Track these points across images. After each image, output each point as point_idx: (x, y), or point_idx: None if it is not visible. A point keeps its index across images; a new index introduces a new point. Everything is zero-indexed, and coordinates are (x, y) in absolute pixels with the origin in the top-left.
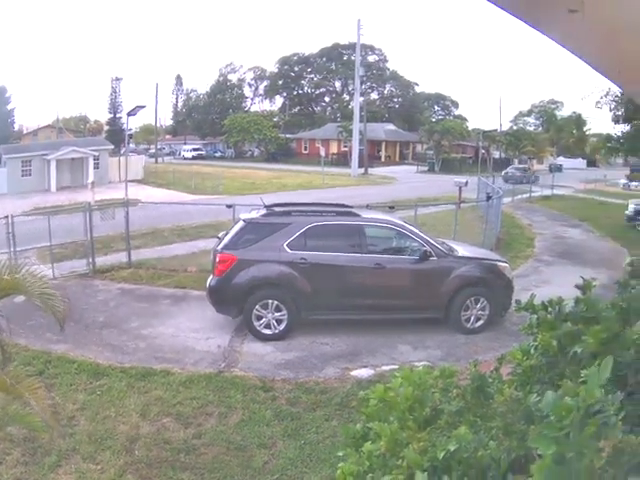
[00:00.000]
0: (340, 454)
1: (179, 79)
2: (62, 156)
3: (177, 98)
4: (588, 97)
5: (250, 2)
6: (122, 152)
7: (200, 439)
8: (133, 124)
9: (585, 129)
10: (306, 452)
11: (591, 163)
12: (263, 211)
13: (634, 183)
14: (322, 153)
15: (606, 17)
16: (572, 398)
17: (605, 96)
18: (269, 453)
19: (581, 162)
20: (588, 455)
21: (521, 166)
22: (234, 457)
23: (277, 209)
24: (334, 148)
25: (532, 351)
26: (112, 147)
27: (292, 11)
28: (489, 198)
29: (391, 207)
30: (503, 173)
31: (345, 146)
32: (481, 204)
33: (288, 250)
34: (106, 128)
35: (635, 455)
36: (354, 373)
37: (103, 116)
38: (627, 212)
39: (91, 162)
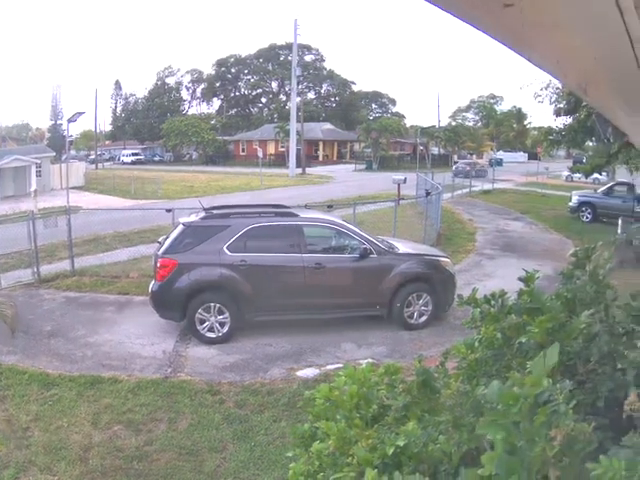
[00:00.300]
0: (290, 454)
1: (118, 84)
2: (5, 165)
3: (116, 103)
4: (528, 87)
5: (189, 4)
6: (63, 159)
7: (152, 445)
8: (74, 130)
9: (526, 122)
10: (257, 454)
11: (532, 156)
12: (202, 214)
13: (577, 175)
14: (260, 154)
15: (543, 10)
16: (519, 387)
17: (545, 88)
18: (220, 457)
19: (522, 155)
20: (539, 444)
21: (470, 161)
22: (186, 462)
23: (216, 212)
24: (272, 149)
25: (476, 344)
26: (54, 154)
27: (230, 12)
28: (428, 194)
29: (329, 206)
30: (454, 168)
31: (283, 146)
32: (420, 200)
33: (228, 252)
34: (47, 135)
35: (589, 443)
36: (299, 373)
37: (44, 123)
38: (571, 204)
39: (33, 170)
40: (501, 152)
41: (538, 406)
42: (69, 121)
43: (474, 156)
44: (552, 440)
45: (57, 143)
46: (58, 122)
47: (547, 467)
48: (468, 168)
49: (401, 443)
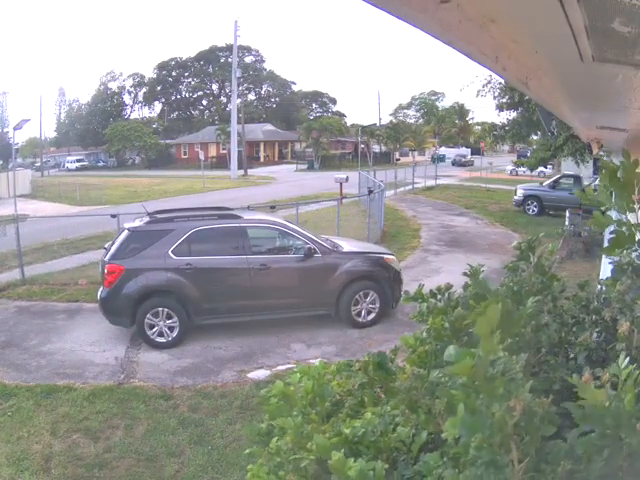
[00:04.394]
0: (247, 452)
1: (61, 90)
2: None
3: (60, 109)
4: (468, 87)
5: (131, 8)
6: (10, 167)
7: (110, 452)
8: (19, 138)
9: (468, 118)
10: (214, 457)
11: (476, 151)
12: (146, 219)
13: (521, 169)
14: (201, 157)
15: (480, 4)
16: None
17: (487, 84)
18: (179, 461)
19: (465, 151)
20: (499, 412)
21: (463, 153)
22: (146, 468)
23: (160, 216)
24: (213, 151)
25: (425, 335)
26: (0, 162)
27: (171, 15)
28: (370, 192)
29: (272, 207)
30: (452, 159)
31: (224, 148)
32: (363, 198)
33: (173, 256)
34: None
35: (548, 417)
36: (251, 375)
37: None
38: (516, 197)
39: None
40: (444, 148)
41: (495, 376)
42: (15, 129)
43: (415, 153)
44: (512, 410)
45: (3, 151)
46: (4, 130)
47: (508, 440)
48: (463, 160)
49: (358, 425)
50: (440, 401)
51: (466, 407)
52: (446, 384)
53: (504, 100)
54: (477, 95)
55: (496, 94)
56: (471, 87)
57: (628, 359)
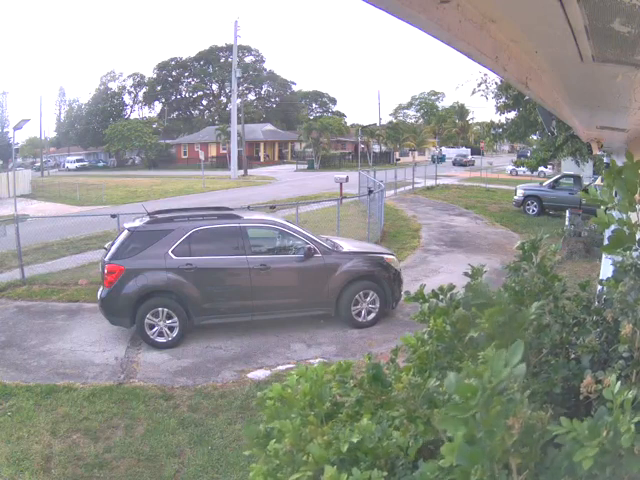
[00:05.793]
0: (246, 453)
1: (62, 90)
2: None
3: (60, 109)
4: (463, 86)
5: (131, 7)
6: (10, 167)
7: (110, 453)
8: (19, 138)
9: (468, 118)
10: (215, 457)
11: (476, 151)
12: (146, 219)
13: (521, 169)
14: (201, 157)
15: (480, 5)
16: (476, 379)
17: (483, 83)
18: (179, 461)
19: (465, 151)
20: (498, 433)
21: (463, 153)
22: (146, 468)
23: (160, 216)
24: (213, 151)
25: (426, 336)
26: (0, 163)
27: (171, 15)
28: (370, 192)
29: (272, 207)
30: (453, 158)
31: (224, 148)
32: (363, 198)
33: (173, 256)
34: None
35: (547, 431)
36: (251, 375)
37: None
38: (516, 197)
39: None
40: (444, 148)
41: (493, 395)
42: (15, 129)
43: (415, 152)
44: (510, 429)
45: (3, 151)
46: (4, 130)
47: (507, 456)
48: (464, 160)
49: (355, 439)
50: (438, 411)
51: (465, 434)
52: (443, 397)
53: (502, 100)
54: (472, 93)
55: (491, 96)
56: (467, 86)
57: (619, 383)
